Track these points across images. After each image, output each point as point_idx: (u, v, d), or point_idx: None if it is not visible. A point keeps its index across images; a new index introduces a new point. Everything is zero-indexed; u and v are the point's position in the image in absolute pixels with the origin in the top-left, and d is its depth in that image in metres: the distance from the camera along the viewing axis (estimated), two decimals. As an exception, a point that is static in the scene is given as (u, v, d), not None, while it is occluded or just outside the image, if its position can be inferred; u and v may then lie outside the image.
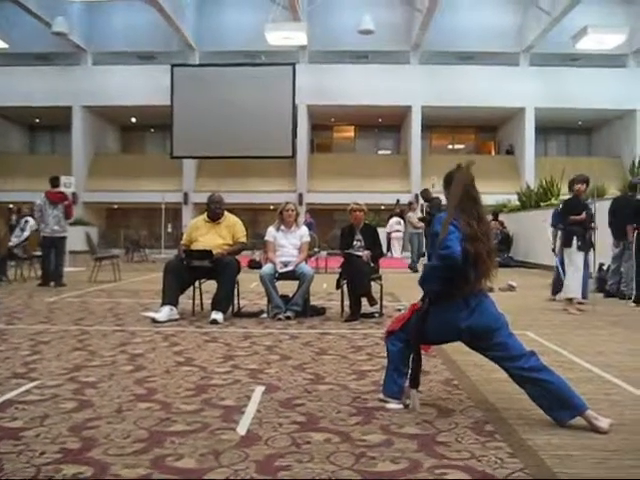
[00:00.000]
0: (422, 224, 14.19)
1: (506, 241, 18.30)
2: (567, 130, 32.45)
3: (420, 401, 3.65)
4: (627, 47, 27.02)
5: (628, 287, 9.29)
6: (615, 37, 23.27)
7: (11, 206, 23.05)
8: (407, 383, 3.61)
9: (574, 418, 3.24)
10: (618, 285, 9.56)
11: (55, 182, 11.66)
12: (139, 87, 27.25)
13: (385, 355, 5.00)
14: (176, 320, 6.81)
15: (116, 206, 31.13)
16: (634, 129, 27.55)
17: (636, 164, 13.99)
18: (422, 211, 15.88)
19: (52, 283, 10.88)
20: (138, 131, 33.95)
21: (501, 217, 19.32)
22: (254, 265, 12.13)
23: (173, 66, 22.87)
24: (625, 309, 8.33)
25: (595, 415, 3.22)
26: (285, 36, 23.59)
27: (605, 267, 10.09)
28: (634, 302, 8.60)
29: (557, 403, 3.26)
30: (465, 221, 3.48)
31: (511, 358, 3.41)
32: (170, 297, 6.94)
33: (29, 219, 12.37)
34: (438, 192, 16.16)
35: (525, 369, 3.35)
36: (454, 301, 3.46)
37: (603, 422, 3.19)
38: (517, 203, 19.51)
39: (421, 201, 14.37)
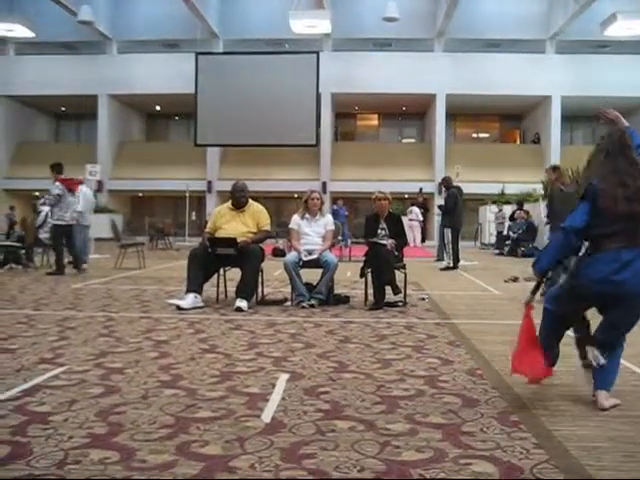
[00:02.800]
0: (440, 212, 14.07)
1: (531, 231, 18.13)
2: (593, 119, 31.96)
3: (444, 390, 3.65)
4: (657, 34, 26.53)
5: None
6: (645, 24, 22.86)
7: (37, 194, 23.32)
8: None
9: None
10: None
11: (59, 169, 11.11)
12: (163, 75, 27.36)
13: (408, 344, 5.02)
14: (200, 307, 6.84)
15: (141, 194, 31.37)
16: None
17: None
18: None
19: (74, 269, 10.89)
20: (163, 119, 34.14)
21: (526, 207, 19.16)
22: (278, 253, 12.16)
23: (197, 54, 22.91)
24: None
25: (607, 395, 3.38)
26: (309, 24, 23.51)
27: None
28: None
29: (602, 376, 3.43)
30: (617, 181, 3.40)
31: (623, 332, 3.50)
32: (194, 285, 6.97)
33: (43, 208, 12.34)
34: (461, 181, 16.09)
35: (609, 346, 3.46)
36: (604, 254, 3.39)
37: (608, 401, 3.37)
38: (542, 192, 19.32)
39: (442, 189, 14.22)
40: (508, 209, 20.55)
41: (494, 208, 22.16)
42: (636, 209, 3.33)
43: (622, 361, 4.34)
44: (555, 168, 8.44)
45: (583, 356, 3.58)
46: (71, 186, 11.14)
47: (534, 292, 3.61)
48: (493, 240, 21.78)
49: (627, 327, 3.48)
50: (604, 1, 24.22)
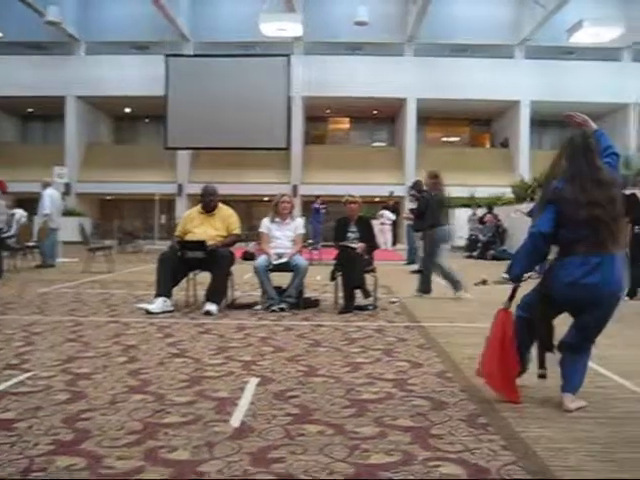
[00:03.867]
0: (411, 216, 14.13)
1: (500, 234, 18.32)
2: (562, 123, 32.27)
3: (413, 393, 3.67)
4: (622, 41, 27.01)
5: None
6: (610, 31, 23.30)
7: None
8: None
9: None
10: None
11: None
12: (133, 77, 27.12)
13: (378, 347, 5.04)
14: (170, 312, 6.79)
15: (110, 197, 31.03)
16: (627, 123, 27.60)
17: (629, 157, 14.04)
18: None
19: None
20: (132, 121, 33.80)
21: (495, 210, 19.34)
22: (248, 257, 12.10)
23: (167, 56, 22.76)
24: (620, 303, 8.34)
25: (573, 398, 3.45)
26: (280, 27, 23.51)
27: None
28: (627, 296, 8.62)
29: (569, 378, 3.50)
30: (579, 186, 3.44)
31: (593, 334, 3.55)
32: (164, 288, 6.92)
33: (16, 211, 12.18)
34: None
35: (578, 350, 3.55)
36: (573, 257, 3.44)
37: (574, 403, 3.43)
38: (511, 196, 19.53)
39: (412, 192, 14.24)
40: (478, 212, 20.72)
41: (468, 211, 22.35)
42: (596, 214, 3.37)
43: (589, 363, 4.41)
44: (435, 175, 8.72)
45: (541, 365, 3.62)
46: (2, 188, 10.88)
47: (511, 299, 3.65)
48: (463, 243, 21.94)
49: (597, 329, 3.54)
50: (571, 8, 24.61)
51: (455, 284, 8.61)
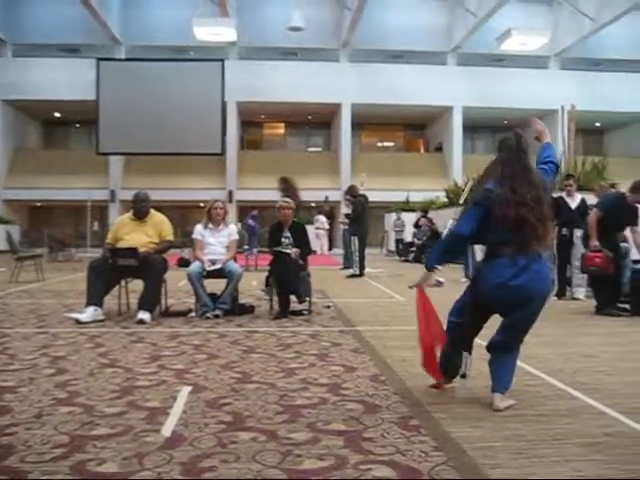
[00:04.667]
0: (347, 220, 14.25)
1: (435, 237, 18.60)
2: (494, 129, 33.20)
3: (346, 398, 3.69)
4: (549, 49, 27.94)
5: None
6: (537, 39, 24.07)
7: None
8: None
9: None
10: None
11: None
12: (63, 81, 26.48)
13: (312, 352, 5.05)
14: (101, 321, 6.64)
15: (39, 204, 30.20)
16: (555, 128, 28.42)
17: (562, 162, 14.44)
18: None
19: None
20: (62, 126, 33.00)
21: (430, 214, 19.65)
22: (183, 263, 11.93)
23: (98, 60, 22.34)
24: (547, 303, 8.56)
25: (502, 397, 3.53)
26: (213, 32, 23.36)
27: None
28: (556, 296, 8.89)
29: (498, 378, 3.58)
30: (509, 187, 3.51)
31: (522, 333, 3.65)
32: (94, 297, 6.76)
33: None
34: (367, 189, 16.36)
35: (506, 349, 3.63)
36: (501, 259, 3.52)
37: (503, 402, 3.52)
38: (445, 200, 19.88)
39: (347, 197, 14.37)
40: (413, 216, 21.02)
41: (393, 216, 22.66)
42: (523, 214, 3.45)
43: (517, 362, 4.52)
44: (286, 180, 9.11)
45: (462, 364, 3.77)
46: None
47: (419, 284, 3.90)
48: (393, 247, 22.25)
49: (525, 329, 3.64)
50: (501, 17, 25.29)
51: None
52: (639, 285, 7.50)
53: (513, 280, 3.46)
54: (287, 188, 8.69)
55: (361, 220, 13.24)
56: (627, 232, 7.96)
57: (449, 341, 3.77)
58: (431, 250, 3.95)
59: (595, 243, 7.47)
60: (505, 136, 3.76)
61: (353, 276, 12.92)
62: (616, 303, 7.52)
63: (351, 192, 13.80)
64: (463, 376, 3.76)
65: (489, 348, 3.67)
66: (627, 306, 7.54)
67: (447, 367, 3.84)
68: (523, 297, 3.50)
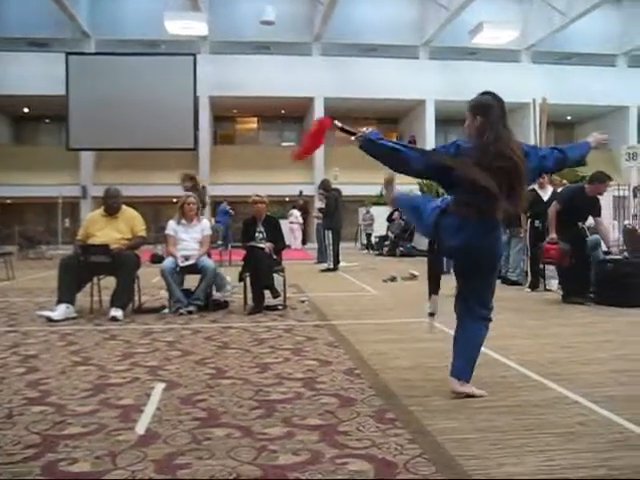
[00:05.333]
0: (321, 215, 14.26)
1: (409, 231, 18.68)
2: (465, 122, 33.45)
3: (322, 392, 3.67)
4: (520, 43, 28.16)
5: (515, 273, 9.73)
6: (508, 33, 24.27)
7: None
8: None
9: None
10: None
11: None
12: (32, 75, 26.03)
13: (287, 347, 5.03)
14: (73, 318, 6.55)
15: (9, 201, 29.71)
16: (528, 121, 28.67)
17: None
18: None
19: None
20: (31, 122, 32.45)
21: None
22: (157, 260, 11.84)
23: (68, 54, 21.97)
24: (521, 294, 8.66)
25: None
26: (185, 25, 23.17)
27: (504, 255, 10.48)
28: (529, 288, 8.97)
29: (458, 358, 3.63)
30: (479, 147, 3.47)
31: (479, 299, 3.69)
32: (66, 294, 6.67)
33: None
34: (340, 183, 16.38)
35: (468, 328, 3.67)
36: (462, 219, 3.51)
37: (462, 388, 3.59)
38: (418, 193, 19.94)
39: (320, 191, 14.37)
40: (387, 210, 21.05)
41: (362, 210, 22.69)
42: (493, 180, 3.39)
43: (490, 352, 4.56)
44: (191, 177, 9.10)
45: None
46: None
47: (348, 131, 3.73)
48: (373, 241, 22.28)
49: (486, 292, 3.72)
50: (473, 10, 25.42)
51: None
52: (603, 275, 7.59)
53: (469, 240, 3.50)
54: (193, 185, 8.73)
55: (335, 214, 13.25)
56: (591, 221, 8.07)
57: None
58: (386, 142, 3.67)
59: (553, 235, 7.57)
60: (485, 100, 3.61)
61: (327, 270, 12.93)
62: (586, 293, 7.60)
63: (324, 186, 13.80)
64: (431, 314, 3.75)
65: (459, 315, 3.73)
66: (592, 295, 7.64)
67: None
68: (478, 257, 3.56)
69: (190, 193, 7.75)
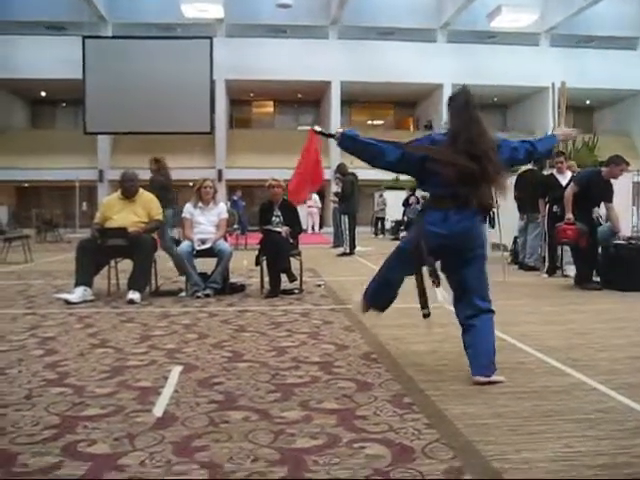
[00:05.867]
0: (337, 199, 14.23)
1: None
2: (483, 106, 32.21)
3: (339, 376, 3.67)
4: (539, 26, 27.80)
5: (532, 259, 9.67)
6: (528, 16, 24.01)
7: None
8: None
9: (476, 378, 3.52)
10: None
11: None
12: (49, 59, 26.11)
13: (304, 331, 5.04)
14: (91, 301, 6.60)
15: (26, 184, 29.94)
16: (546, 105, 28.40)
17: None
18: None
19: None
20: (49, 105, 32.61)
21: (419, 192, 19.60)
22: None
23: (84, 38, 21.98)
24: (538, 280, 8.61)
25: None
26: (201, 8, 23.14)
27: (520, 241, 10.38)
28: (546, 273, 8.91)
29: (476, 357, 3.57)
30: (453, 139, 3.57)
31: (476, 292, 3.65)
32: (84, 277, 6.71)
33: None
34: (356, 167, 16.31)
35: (473, 325, 3.63)
36: (440, 212, 3.61)
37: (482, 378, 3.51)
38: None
39: (337, 175, 14.32)
40: (403, 195, 20.97)
41: (376, 195, 22.60)
42: (466, 172, 3.49)
43: (508, 338, 4.54)
44: (157, 160, 8.99)
45: (424, 305, 3.76)
46: None
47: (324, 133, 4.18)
48: (388, 226, 22.21)
49: (479, 283, 3.69)
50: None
51: None
52: (610, 259, 7.59)
53: (451, 229, 3.56)
54: (158, 168, 8.77)
55: (351, 199, 13.21)
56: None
57: (392, 267, 3.88)
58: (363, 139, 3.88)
59: (569, 216, 7.50)
60: (454, 92, 3.77)
61: (344, 254, 12.91)
62: (592, 278, 7.61)
63: (340, 170, 13.74)
64: (426, 316, 3.75)
65: (463, 324, 3.72)
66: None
67: (379, 294, 3.97)
68: (461, 245, 3.60)
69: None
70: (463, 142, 3.52)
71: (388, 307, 4.01)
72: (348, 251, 12.95)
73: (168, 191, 8.63)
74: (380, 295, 3.99)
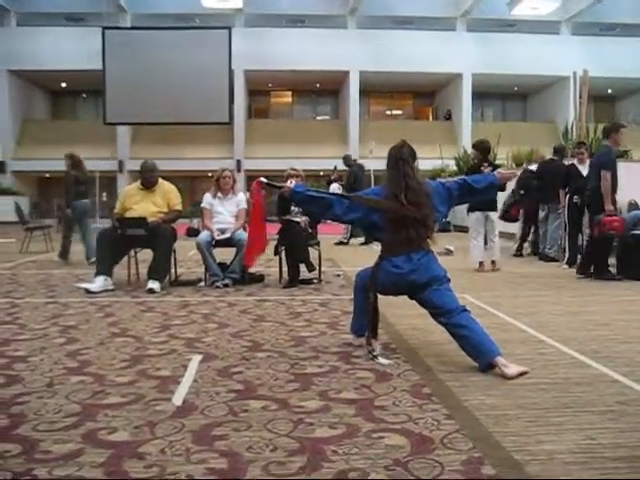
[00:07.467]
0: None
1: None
2: (503, 95, 32.91)
3: (357, 366, 3.67)
4: (561, 14, 27.46)
5: (552, 249, 9.58)
6: (549, 4, 23.72)
7: None
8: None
9: (489, 364, 3.54)
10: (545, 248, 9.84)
11: None
12: (68, 50, 26.28)
13: (322, 321, 5.04)
14: (111, 290, 6.65)
15: (48, 175, 30.18)
16: (567, 95, 28.11)
17: (569, 129, 14.27)
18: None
19: None
20: (69, 97, 32.84)
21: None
22: (192, 233, 11.92)
23: (104, 29, 22.09)
24: (558, 271, 8.54)
25: (504, 362, 3.50)
26: (220, -2, 23.11)
27: (541, 231, 10.29)
28: (567, 264, 8.83)
29: (475, 352, 3.62)
30: (391, 192, 3.83)
31: (445, 312, 3.76)
32: (104, 267, 6.76)
33: None
34: (376, 157, 16.26)
35: (454, 325, 3.72)
36: (398, 256, 3.83)
37: (511, 369, 3.46)
38: (455, 168, 19.72)
39: (343, 167, 14.33)
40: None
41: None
42: (408, 217, 3.76)
43: (529, 329, 4.52)
44: (70, 156, 10.39)
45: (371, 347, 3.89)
46: None
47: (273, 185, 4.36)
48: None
49: (447, 295, 3.84)
50: (512, -20, 24.87)
51: None
52: (628, 249, 7.56)
53: (410, 274, 3.78)
54: (73, 163, 9.35)
55: (357, 189, 13.18)
56: None
57: (357, 294, 4.22)
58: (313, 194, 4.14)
59: (611, 207, 7.30)
60: (393, 145, 4.02)
61: (362, 244, 12.92)
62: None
63: (345, 162, 13.82)
64: (375, 357, 3.80)
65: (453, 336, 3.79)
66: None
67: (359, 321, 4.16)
68: (422, 284, 3.80)
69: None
70: (402, 192, 3.77)
71: (377, 329, 4.01)
72: (365, 241, 12.97)
73: (81, 184, 9.84)
74: (360, 321, 4.13)
